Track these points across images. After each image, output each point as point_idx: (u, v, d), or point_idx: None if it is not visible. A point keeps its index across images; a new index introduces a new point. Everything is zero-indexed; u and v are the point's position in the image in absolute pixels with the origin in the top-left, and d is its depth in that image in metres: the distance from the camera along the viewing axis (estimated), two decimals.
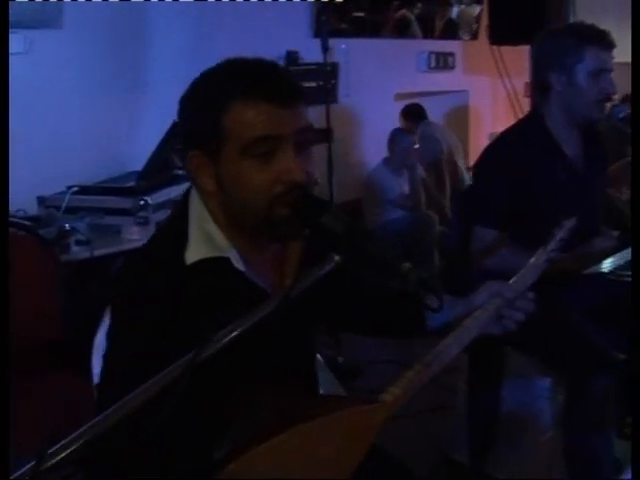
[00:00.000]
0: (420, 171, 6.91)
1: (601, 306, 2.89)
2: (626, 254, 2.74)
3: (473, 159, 7.93)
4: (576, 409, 2.76)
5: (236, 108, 1.54)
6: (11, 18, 4.11)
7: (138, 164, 4.50)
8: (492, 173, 2.99)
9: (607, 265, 2.69)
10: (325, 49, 4.72)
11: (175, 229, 1.67)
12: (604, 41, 2.89)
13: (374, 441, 1.60)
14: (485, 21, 6.54)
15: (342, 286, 1.92)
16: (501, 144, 3.06)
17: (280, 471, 1.46)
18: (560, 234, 2.22)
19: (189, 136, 1.64)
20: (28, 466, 1.02)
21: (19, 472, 1.02)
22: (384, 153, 6.82)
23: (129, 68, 4.99)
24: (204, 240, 1.62)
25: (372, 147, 6.90)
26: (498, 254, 2.88)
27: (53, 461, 1.05)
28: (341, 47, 6.34)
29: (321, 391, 2.64)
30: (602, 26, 2.97)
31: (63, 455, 1.06)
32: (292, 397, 1.69)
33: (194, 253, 1.60)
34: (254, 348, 1.47)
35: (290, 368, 1.78)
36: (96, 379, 2.02)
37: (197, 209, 1.66)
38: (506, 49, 6.39)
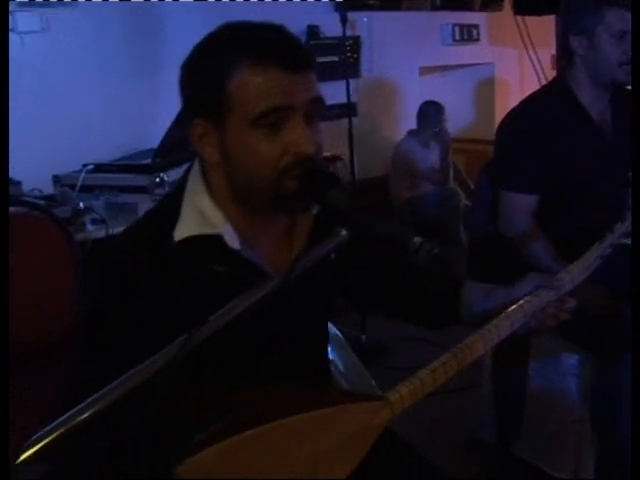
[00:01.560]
0: (447, 145, 6.93)
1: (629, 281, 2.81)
2: None
3: None
4: (604, 383, 2.75)
5: (243, 73, 1.45)
6: None
7: (153, 142, 4.45)
8: (518, 137, 2.91)
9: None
10: (344, 21, 4.62)
11: (168, 205, 1.59)
12: (623, 1, 2.78)
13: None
14: None
15: (356, 261, 1.82)
16: (527, 109, 2.97)
17: (268, 461, 1.37)
18: (612, 238, 2.06)
19: (192, 103, 1.54)
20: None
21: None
22: (409, 128, 6.78)
23: (144, 46, 4.93)
24: (196, 217, 1.54)
25: (397, 122, 6.82)
26: (529, 245, 2.85)
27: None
28: (363, 20, 6.24)
29: (342, 370, 2.56)
30: None
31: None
32: (296, 386, 1.60)
33: (183, 229, 1.52)
34: (257, 329, 1.41)
35: (299, 349, 1.69)
36: None
37: (194, 185, 1.58)
38: (531, 20, 6.24)
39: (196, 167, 1.60)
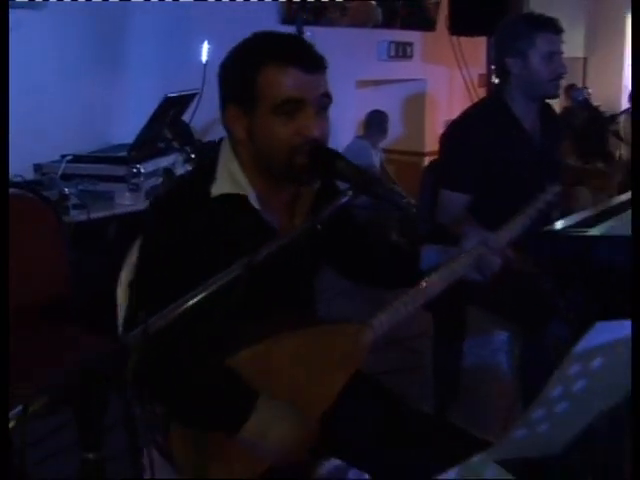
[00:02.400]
0: (381, 155, 7.42)
1: (554, 262, 3.20)
2: (575, 217, 3.04)
3: (429, 144, 8.29)
4: (531, 356, 3.07)
5: (269, 71, 1.85)
6: None
7: (119, 137, 4.76)
8: (458, 143, 3.32)
9: (559, 224, 2.97)
10: (300, 34, 5.00)
11: (205, 168, 1.99)
12: (552, 26, 3.24)
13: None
14: (444, 12, 6.81)
15: (349, 230, 2.25)
16: (467, 119, 3.40)
17: (286, 364, 1.83)
18: (545, 197, 2.47)
19: (227, 92, 1.94)
20: (137, 330, 1.28)
21: (128, 337, 1.27)
22: (347, 139, 7.21)
23: (110, 45, 5.22)
24: (228, 178, 1.94)
25: (335, 132, 7.14)
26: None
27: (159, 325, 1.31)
28: (307, 34, 6.60)
29: None
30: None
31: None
32: (292, 313, 2.02)
33: (218, 188, 1.93)
34: (266, 276, 1.74)
35: (294, 295, 2.09)
36: (120, 310, 2.29)
37: (226, 153, 1.98)
38: (464, 41, 6.66)
39: (227, 140, 2.00)
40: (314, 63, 1.89)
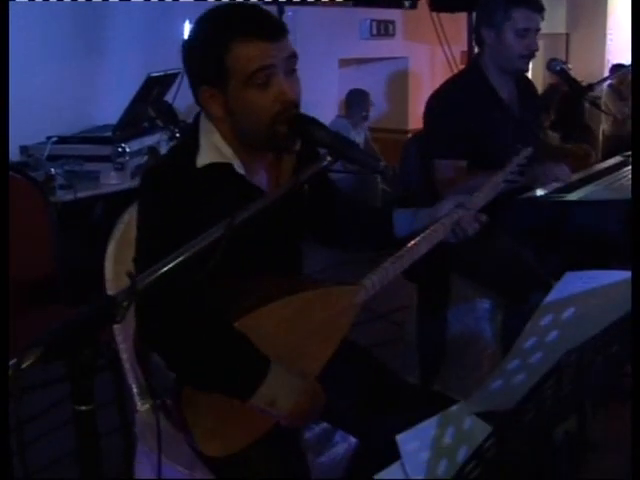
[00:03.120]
0: (367, 132, 7.45)
1: (533, 228, 3.26)
2: (555, 184, 3.10)
3: (412, 122, 8.34)
4: (513, 325, 3.08)
5: (236, 47, 1.89)
6: None
7: (103, 118, 4.80)
8: (443, 112, 3.34)
9: (538, 191, 3.03)
10: (280, 14, 5.04)
11: (188, 142, 2.04)
12: (531, 3, 3.24)
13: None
14: None
15: (320, 198, 2.28)
16: (447, 90, 3.43)
17: (282, 328, 1.86)
18: (517, 160, 2.53)
19: (197, 74, 1.98)
20: (124, 288, 1.33)
21: (116, 292, 1.32)
22: (330, 117, 7.23)
23: (91, 28, 5.26)
24: (212, 149, 1.99)
25: (319, 110, 7.19)
26: (465, 183, 3.14)
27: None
28: (288, 14, 6.64)
29: None
30: None
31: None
32: (286, 277, 2.07)
33: (203, 158, 1.98)
34: (255, 234, 1.82)
35: (282, 257, 2.14)
36: (108, 284, 2.34)
37: (206, 126, 2.02)
38: (445, 18, 6.68)
39: (204, 115, 2.04)
40: (277, 31, 1.93)
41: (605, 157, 7.53)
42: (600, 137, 8.46)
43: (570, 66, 9.90)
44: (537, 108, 3.62)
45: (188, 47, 1.99)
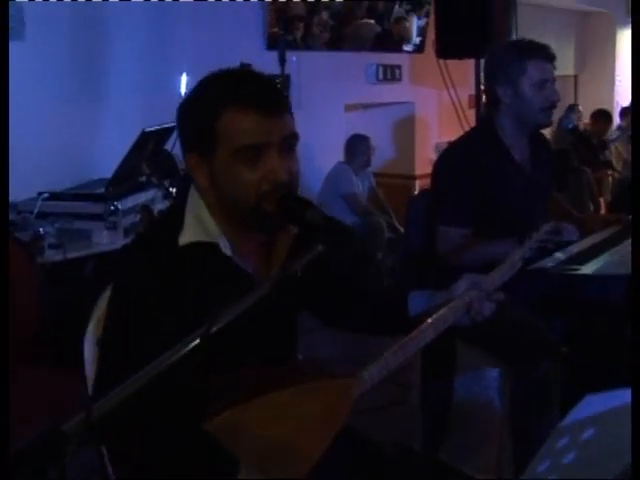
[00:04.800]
0: (372, 178, 7.33)
1: (544, 299, 3.13)
2: (568, 251, 2.97)
3: (419, 168, 8.24)
4: (522, 393, 2.99)
5: (228, 116, 1.74)
6: None
7: (100, 171, 4.68)
8: (451, 177, 3.22)
9: (550, 261, 2.90)
10: (282, 61, 4.93)
11: (172, 216, 1.88)
12: (544, 54, 3.15)
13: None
14: (432, 35, 6.75)
15: (327, 279, 2.13)
16: (458, 150, 3.31)
17: (269, 425, 1.66)
18: (537, 236, 2.38)
19: (187, 139, 1.84)
20: (78, 417, 1.17)
21: (69, 422, 1.16)
22: (335, 160, 7.13)
23: (89, 78, 5.19)
24: (197, 226, 1.82)
25: (324, 156, 7.10)
26: (473, 250, 3.10)
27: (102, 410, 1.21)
28: (292, 59, 6.56)
29: None
30: (543, 41, 3.25)
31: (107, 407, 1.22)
32: (277, 367, 1.90)
33: (187, 236, 1.81)
34: (243, 328, 1.62)
35: (273, 349, 1.96)
36: (87, 365, 2.19)
37: (193, 200, 1.86)
38: (452, 62, 6.61)
39: (193, 186, 1.88)
40: (275, 106, 1.77)
41: (618, 201, 7.56)
42: (610, 182, 8.35)
43: (580, 108, 9.87)
44: (551, 167, 3.47)
45: (182, 108, 1.84)
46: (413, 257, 3.56)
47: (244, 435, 1.64)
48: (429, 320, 1.95)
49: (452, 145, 3.37)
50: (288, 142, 1.80)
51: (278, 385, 1.71)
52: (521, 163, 3.27)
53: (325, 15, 6.92)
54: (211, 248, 1.82)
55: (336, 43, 7.17)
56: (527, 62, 3.12)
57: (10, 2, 4.48)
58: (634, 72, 2.91)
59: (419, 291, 2.15)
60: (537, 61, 3.12)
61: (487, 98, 3.33)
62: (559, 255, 2.91)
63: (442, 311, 1.98)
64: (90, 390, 2.10)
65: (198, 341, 1.36)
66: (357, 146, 7.21)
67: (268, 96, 1.77)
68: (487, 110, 3.35)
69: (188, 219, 1.83)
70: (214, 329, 1.39)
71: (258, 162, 1.74)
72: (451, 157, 3.31)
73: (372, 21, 7.55)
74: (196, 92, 1.82)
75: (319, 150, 7.12)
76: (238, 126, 1.73)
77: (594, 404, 1.28)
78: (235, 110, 1.73)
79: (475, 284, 2.06)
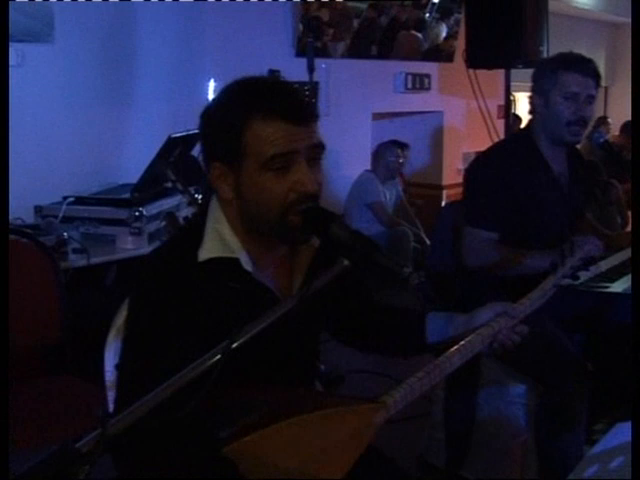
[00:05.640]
0: (399, 187, 7.28)
1: (572, 316, 3.08)
2: (597, 268, 2.92)
3: (447, 178, 8.19)
4: (548, 410, 2.96)
5: (256, 126, 1.70)
6: None
7: (126, 175, 4.67)
8: (484, 179, 3.20)
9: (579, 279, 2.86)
10: (311, 69, 4.90)
11: (192, 230, 1.84)
12: (579, 67, 3.07)
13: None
14: (461, 44, 6.71)
15: (347, 298, 2.09)
16: (493, 155, 3.29)
17: (288, 452, 1.62)
18: (571, 262, 2.35)
19: (211, 149, 1.80)
20: (93, 434, 1.15)
21: (84, 440, 1.14)
22: (360, 171, 7.10)
23: (117, 82, 5.18)
24: (217, 241, 1.79)
25: (351, 165, 7.08)
26: (500, 257, 3.08)
27: (117, 428, 1.18)
28: (321, 67, 6.53)
29: None
30: (574, 51, 3.20)
31: (122, 425, 1.19)
32: (298, 390, 1.86)
33: (207, 251, 1.77)
34: (264, 345, 1.61)
35: (294, 366, 1.93)
36: (108, 375, 2.16)
37: (215, 213, 1.83)
38: (482, 72, 6.57)
39: (215, 198, 1.85)
40: (303, 114, 1.74)
41: None
42: None
43: (610, 120, 9.77)
44: (585, 183, 3.42)
45: (206, 116, 1.80)
46: (436, 270, 3.51)
47: (264, 461, 1.61)
48: (456, 347, 1.91)
49: (489, 149, 3.34)
50: (315, 152, 1.77)
51: (300, 409, 1.67)
52: (558, 175, 3.22)
53: (355, 23, 6.88)
54: (231, 263, 1.78)
55: (364, 51, 7.12)
56: (561, 73, 3.07)
57: (40, 5, 4.50)
58: (634, 72, 2.85)
59: (437, 313, 2.11)
60: (571, 73, 3.06)
61: (530, 107, 3.26)
62: (587, 272, 2.86)
63: (469, 338, 1.94)
64: (111, 401, 2.09)
65: (219, 357, 1.32)
66: (383, 154, 7.18)
67: (296, 104, 1.74)
68: (529, 121, 3.28)
69: (208, 233, 1.80)
70: (235, 344, 1.36)
71: (286, 172, 1.71)
72: (486, 160, 3.29)
73: (420, 35, 7.54)
74: (221, 100, 1.79)
75: (346, 158, 7.09)
76: (267, 135, 1.70)
77: (623, 433, 1.24)
78: (263, 119, 1.70)
79: (502, 312, 2.02)
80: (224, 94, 1.79)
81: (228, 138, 1.73)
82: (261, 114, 1.70)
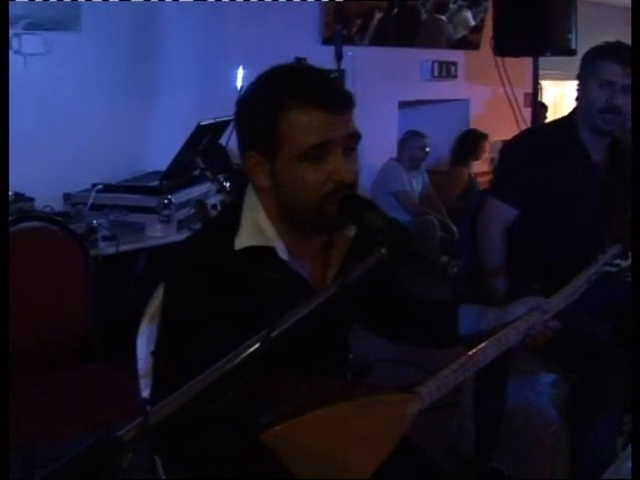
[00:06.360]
0: (425, 176, 7.24)
1: (603, 306, 3.06)
2: (625, 262, 2.88)
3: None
4: (582, 402, 2.94)
5: (292, 115, 1.68)
6: (31, 20, 4.33)
7: (154, 163, 4.67)
8: (518, 157, 3.21)
9: (614, 267, 2.82)
10: (339, 57, 4.88)
11: (228, 218, 1.83)
12: (616, 55, 3.04)
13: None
14: (488, 32, 6.66)
15: (381, 287, 2.07)
16: (532, 132, 3.34)
17: (324, 440, 1.61)
18: (604, 258, 2.34)
19: (246, 138, 1.78)
20: (134, 422, 1.14)
21: (125, 428, 1.13)
22: (386, 159, 7.07)
23: (145, 70, 5.18)
24: (254, 229, 1.78)
25: (377, 153, 7.05)
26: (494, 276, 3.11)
27: (159, 417, 1.17)
28: (348, 54, 6.49)
29: None
30: (603, 39, 3.18)
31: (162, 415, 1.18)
32: (333, 380, 1.85)
33: (243, 240, 1.76)
34: (300, 335, 1.58)
35: (328, 357, 1.93)
36: (140, 363, 2.16)
37: (251, 201, 1.81)
38: (509, 60, 6.52)
39: (251, 186, 1.83)
40: (341, 102, 1.72)
41: None
42: None
43: None
44: (626, 177, 3.39)
45: (241, 105, 1.78)
46: (465, 262, 3.50)
47: (301, 448, 1.60)
48: (490, 339, 1.90)
49: (529, 129, 3.38)
50: (351, 141, 1.75)
51: (336, 398, 1.66)
52: (597, 164, 3.20)
53: (379, 12, 6.86)
54: (267, 252, 1.77)
55: (391, 39, 7.09)
56: (599, 61, 3.06)
57: None
58: (634, 71, 2.82)
59: (470, 306, 2.10)
60: (608, 62, 3.04)
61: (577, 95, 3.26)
62: (621, 261, 2.83)
63: (504, 331, 1.93)
64: (143, 389, 2.09)
65: (257, 346, 1.31)
66: (409, 143, 7.14)
67: (332, 92, 1.73)
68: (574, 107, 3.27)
69: (245, 221, 1.79)
70: (274, 333, 1.35)
71: (323, 162, 1.70)
72: (524, 139, 3.32)
73: (444, 17, 7.49)
74: (256, 88, 1.77)
75: (372, 147, 7.05)
76: (304, 124, 1.68)
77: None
78: (300, 108, 1.68)
79: (536, 307, 2.01)
80: (259, 82, 1.77)
81: (263, 127, 1.71)
82: (297, 102, 1.68)
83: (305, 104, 1.68)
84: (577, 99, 3.19)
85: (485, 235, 3.18)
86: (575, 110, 3.23)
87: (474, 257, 3.24)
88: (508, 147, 3.33)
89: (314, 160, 1.69)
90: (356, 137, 1.77)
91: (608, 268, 2.37)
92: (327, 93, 1.71)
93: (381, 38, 7.00)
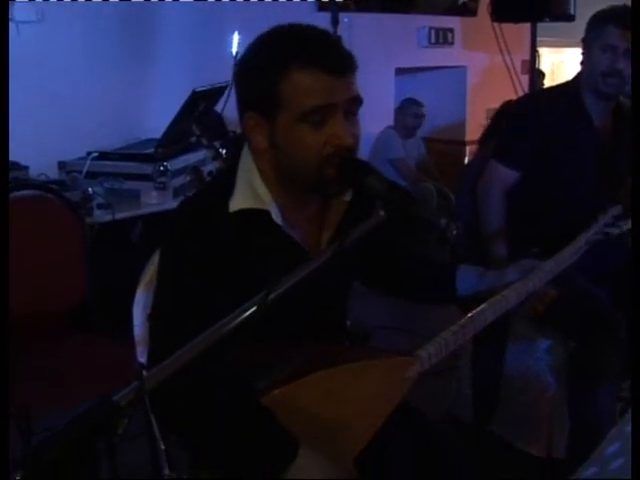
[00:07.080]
0: (422, 144, 7.22)
1: (602, 269, 3.05)
2: (625, 225, 2.87)
3: (470, 134, 8.09)
4: (581, 366, 2.94)
5: (294, 75, 1.65)
6: None
7: (150, 131, 4.64)
8: (520, 119, 3.23)
9: (615, 228, 2.81)
10: (335, 23, 4.83)
11: (223, 181, 1.82)
12: (620, 19, 3.01)
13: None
14: None
15: (380, 248, 2.07)
16: (536, 96, 3.35)
17: (323, 403, 1.61)
18: (604, 219, 2.34)
19: (246, 98, 1.76)
20: (131, 386, 1.13)
21: (121, 393, 1.12)
22: (383, 127, 7.03)
23: (139, 36, 5.13)
24: (248, 192, 1.77)
25: (374, 120, 7.00)
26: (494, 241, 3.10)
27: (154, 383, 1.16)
28: (344, 21, 6.44)
29: None
30: (607, 5, 3.14)
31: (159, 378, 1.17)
32: (332, 344, 1.84)
33: (237, 202, 1.75)
34: (297, 299, 1.57)
35: (325, 321, 1.92)
36: (137, 330, 2.15)
37: (246, 164, 1.80)
38: (506, 26, 6.47)
39: (247, 149, 1.82)
40: (343, 64, 1.69)
41: None
42: None
43: None
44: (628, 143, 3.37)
45: (240, 65, 1.76)
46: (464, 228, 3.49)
47: (301, 410, 1.59)
48: (489, 300, 1.89)
49: (533, 92, 3.36)
50: (353, 105, 1.73)
51: (335, 361, 1.65)
52: (599, 129, 3.18)
53: None
54: (262, 215, 1.76)
55: (388, 5, 7.03)
56: (602, 26, 3.05)
57: None
58: (634, 72, 2.81)
59: (469, 267, 2.09)
60: (610, 26, 3.02)
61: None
62: (622, 224, 2.82)
63: (504, 292, 1.92)
64: (140, 356, 2.08)
65: (255, 309, 1.29)
66: (406, 111, 7.12)
67: (336, 54, 1.70)
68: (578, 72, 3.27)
69: (240, 184, 1.78)
70: (272, 296, 1.33)
71: (323, 125, 1.68)
72: (528, 102, 3.35)
73: None
74: (257, 49, 1.74)
75: (368, 114, 6.98)
76: (306, 86, 1.66)
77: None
78: (303, 69, 1.66)
79: (534, 268, 2.02)
80: (261, 41, 1.75)
81: (264, 87, 1.69)
82: (300, 63, 1.66)
83: (308, 65, 1.65)
84: (582, 63, 3.18)
85: (486, 198, 3.18)
86: (579, 74, 3.21)
87: (474, 217, 3.23)
88: (513, 109, 3.38)
89: (314, 123, 1.67)
90: (358, 101, 1.74)
91: (609, 229, 2.34)
92: (330, 55, 1.68)
93: (377, 4, 6.93)
